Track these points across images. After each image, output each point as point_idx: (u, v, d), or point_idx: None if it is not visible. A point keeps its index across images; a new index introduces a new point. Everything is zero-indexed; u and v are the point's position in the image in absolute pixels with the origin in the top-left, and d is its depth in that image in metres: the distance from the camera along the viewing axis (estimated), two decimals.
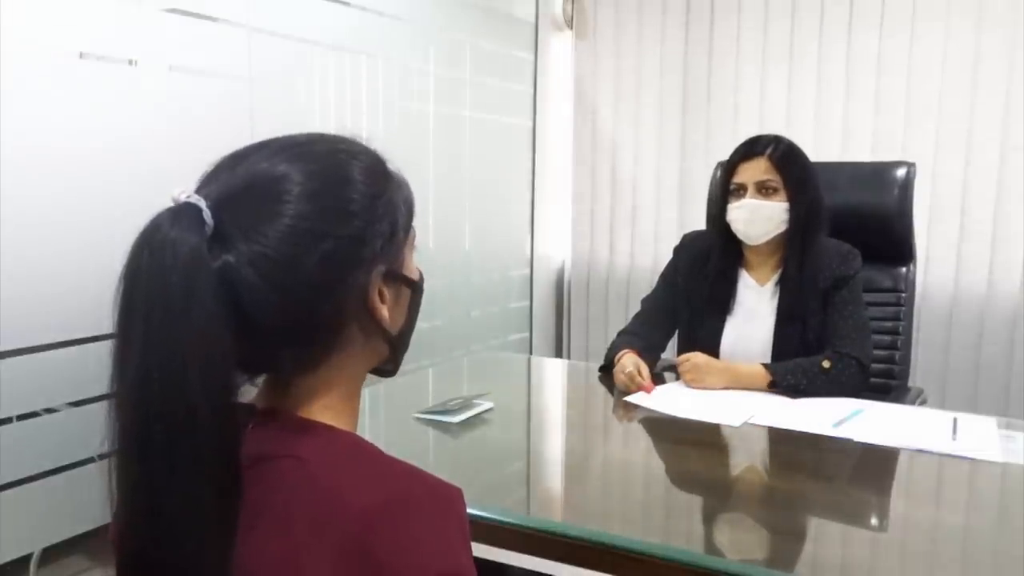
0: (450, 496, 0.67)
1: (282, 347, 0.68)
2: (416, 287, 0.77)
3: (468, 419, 1.67)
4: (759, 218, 1.90)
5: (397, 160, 0.77)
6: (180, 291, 0.60)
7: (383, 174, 0.74)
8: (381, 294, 0.72)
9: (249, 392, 0.72)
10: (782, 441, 1.59)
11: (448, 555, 0.64)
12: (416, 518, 0.63)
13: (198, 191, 0.66)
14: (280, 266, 0.64)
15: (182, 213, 0.63)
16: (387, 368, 0.79)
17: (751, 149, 1.92)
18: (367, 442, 0.70)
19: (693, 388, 1.86)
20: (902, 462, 1.50)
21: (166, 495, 0.61)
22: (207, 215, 0.63)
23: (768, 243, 1.93)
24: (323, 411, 0.71)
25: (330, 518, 0.62)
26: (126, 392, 0.62)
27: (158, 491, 0.61)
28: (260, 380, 0.73)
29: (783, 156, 1.90)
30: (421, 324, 0.80)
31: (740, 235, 1.94)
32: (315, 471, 0.65)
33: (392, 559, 0.61)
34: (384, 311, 0.72)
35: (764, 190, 1.89)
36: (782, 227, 1.91)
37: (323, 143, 0.73)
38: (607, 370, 1.99)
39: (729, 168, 1.95)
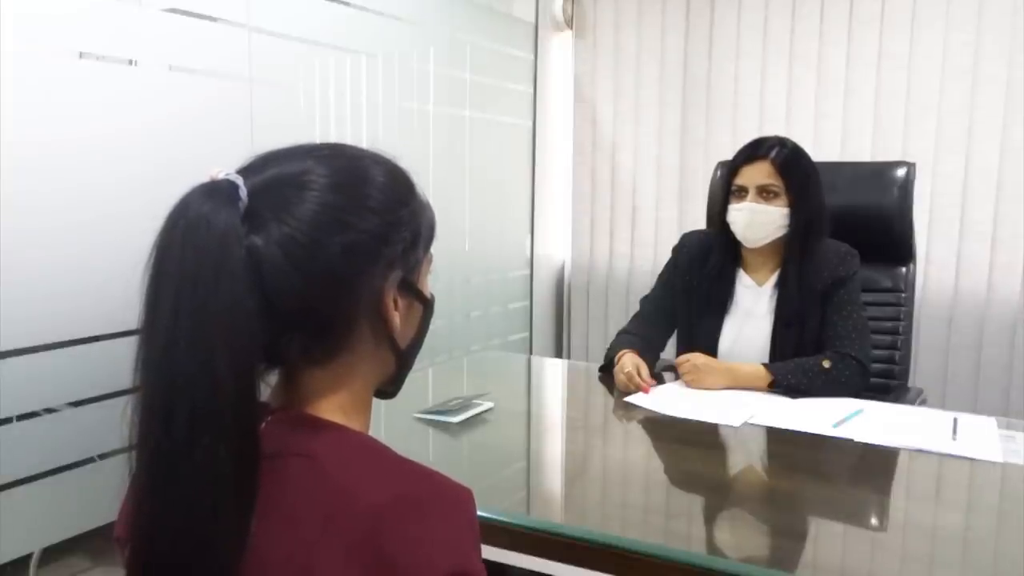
0: (461, 497, 0.67)
1: (296, 333, 0.68)
2: (428, 305, 0.79)
3: (468, 419, 1.67)
4: (758, 222, 1.90)
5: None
6: (212, 265, 0.62)
7: (406, 185, 0.76)
8: (395, 302, 0.73)
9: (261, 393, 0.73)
10: (782, 441, 1.59)
11: (459, 553, 0.64)
12: (427, 517, 0.64)
13: None
14: (306, 249, 0.66)
15: (217, 190, 0.65)
16: (389, 389, 0.80)
17: (755, 151, 1.92)
18: (378, 441, 0.71)
19: (693, 388, 1.86)
20: (902, 462, 1.50)
21: (186, 465, 0.61)
22: (243, 192, 0.65)
23: (767, 245, 1.93)
24: (334, 411, 0.71)
25: (341, 515, 0.63)
26: (153, 364, 0.62)
27: (178, 461, 0.61)
28: (272, 381, 0.74)
29: (786, 161, 1.89)
30: None
31: (739, 237, 1.93)
32: (326, 468, 0.66)
33: (403, 557, 0.61)
34: (396, 319, 0.73)
35: (765, 194, 1.89)
36: (781, 231, 1.91)
37: (349, 149, 0.76)
38: (607, 370, 1.99)
39: (732, 169, 1.95)
